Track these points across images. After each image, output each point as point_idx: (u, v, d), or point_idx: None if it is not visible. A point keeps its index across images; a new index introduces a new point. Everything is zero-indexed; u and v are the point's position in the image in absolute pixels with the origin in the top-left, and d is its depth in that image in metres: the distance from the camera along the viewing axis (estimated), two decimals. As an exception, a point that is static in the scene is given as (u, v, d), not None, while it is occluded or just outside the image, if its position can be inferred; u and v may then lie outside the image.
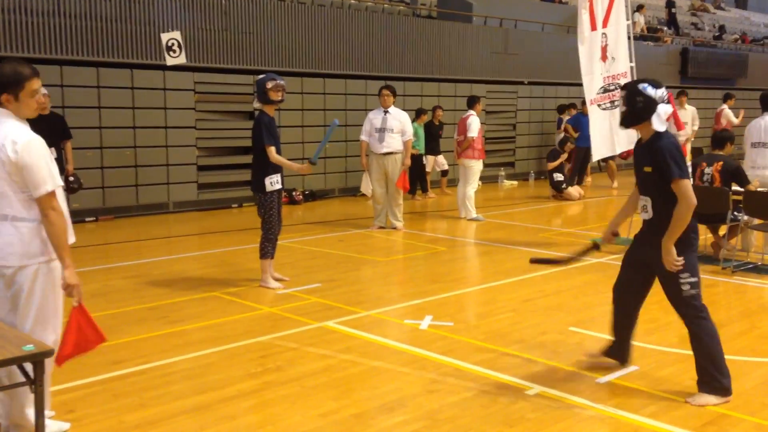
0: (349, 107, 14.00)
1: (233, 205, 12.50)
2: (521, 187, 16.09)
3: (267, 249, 7.02)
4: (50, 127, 9.58)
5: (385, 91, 10.16)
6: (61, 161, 9.68)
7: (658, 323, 6.14)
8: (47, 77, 10.28)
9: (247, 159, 12.77)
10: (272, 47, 12.84)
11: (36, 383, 3.22)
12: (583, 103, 14.48)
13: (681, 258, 4.34)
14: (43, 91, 10.04)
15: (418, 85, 15.11)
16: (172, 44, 10.68)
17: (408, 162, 10.26)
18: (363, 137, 10.24)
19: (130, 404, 4.39)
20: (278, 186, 6.92)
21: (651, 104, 4.39)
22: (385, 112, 10.09)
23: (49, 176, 3.70)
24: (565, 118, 16.44)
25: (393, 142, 10.02)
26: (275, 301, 6.64)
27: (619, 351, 4.96)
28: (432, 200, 13.53)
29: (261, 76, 6.97)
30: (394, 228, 10.20)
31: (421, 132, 13.57)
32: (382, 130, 10.03)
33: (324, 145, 7.18)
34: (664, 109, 4.40)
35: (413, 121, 13.69)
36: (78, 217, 10.70)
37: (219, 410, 4.32)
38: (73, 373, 4.79)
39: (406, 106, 14.60)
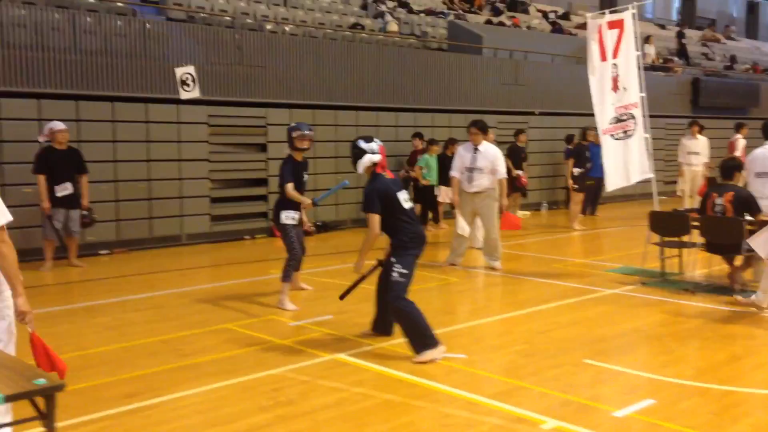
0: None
1: (246, 237, 12.54)
2: (534, 217, 16.04)
3: (288, 272, 7.55)
4: (67, 162, 9.76)
5: (473, 129, 9.65)
6: (77, 195, 9.80)
7: (673, 355, 6.07)
8: (64, 112, 10.48)
9: (259, 191, 12.94)
10: (284, 80, 12.97)
11: (49, 418, 3.21)
12: (584, 132, 14.61)
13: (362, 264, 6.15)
14: (62, 126, 10.34)
15: (429, 116, 15.18)
16: (186, 78, 10.82)
17: (505, 202, 9.92)
18: (454, 173, 9.81)
19: (142, 439, 4.37)
20: (292, 222, 7.59)
21: (360, 153, 6.11)
22: (475, 149, 9.62)
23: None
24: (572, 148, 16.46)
25: (483, 182, 9.57)
26: (287, 334, 6.61)
27: (379, 324, 6.39)
28: (444, 231, 13.51)
29: (291, 125, 7.77)
30: (493, 268, 9.66)
31: (434, 163, 13.60)
32: (471, 170, 9.60)
33: (329, 195, 8.16)
34: (369, 158, 6.07)
35: (424, 152, 13.77)
36: (92, 249, 10.78)
37: (231, 445, 4.28)
38: (86, 406, 4.78)
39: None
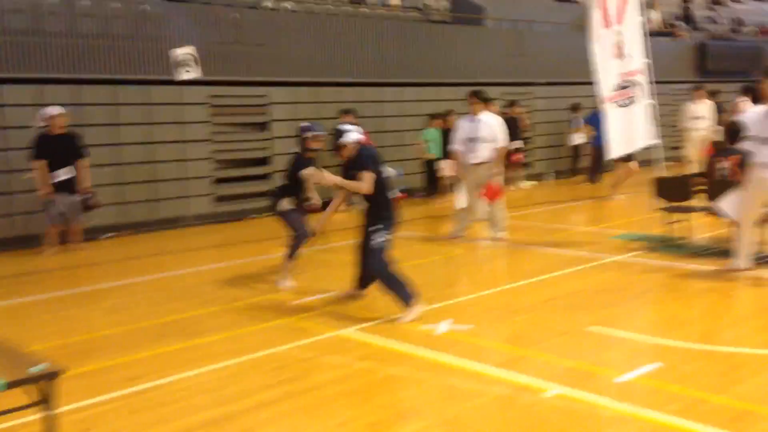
0: (365, 115, 13.98)
1: (250, 216, 12.54)
2: (539, 187, 15.97)
3: (293, 251, 7.55)
4: (66, 146, 9.75)
5: (472, 98, 9.52)
6: (76, 179, 9.80)
7: (678, 319, 6.05)
8: (63, 97, 10.45)
9: (262, 170, 12.91)
10: (285, 58, 12.88)
11: (49, 403, 3.22)
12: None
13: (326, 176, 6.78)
14: (59, 110, 10.31)
15: (433, 90, 15.07)
16: (187, 59, 10.76)
17: (497, 171, 9.60)
18: (455, 146, 9.72)
19: (148, 420, 4.38)
20: (289, 207, 7.53)
21: (342, 133, 6.43)
22: (475, 120, 9.49)
23: None
24: (577, 117, 16.34)
25: (484, 152, 9.41)
26: (291, 311, 6.62)
27: (358, 283, 6.82)
28: (448, 204, 13.45)
29: (303, 125, 7.66)
30: (498, 239, 9.56)
31: (437, 136, 13.52)
32: (472, 140, 9.46)
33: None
34: (355, 135, 6.40)
35: (426, 126, 13.69)
36: (97, 233, 10.81)
37: (238, 422, 4.30)
38: (89, 390, 4.80)
39: (420, 111, 14.60)
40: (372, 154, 6.50)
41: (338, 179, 6.52)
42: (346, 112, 12.40)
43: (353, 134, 6.43)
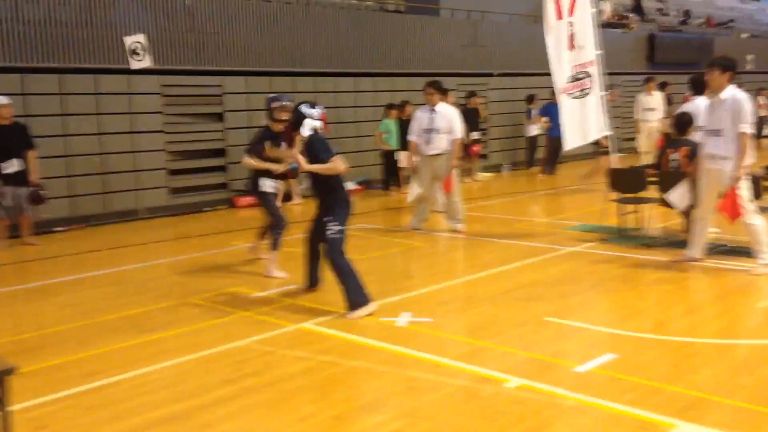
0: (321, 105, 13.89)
1: (205, 209, 12.36)
2: (495, 178, 16.11)
3: (276, 240, 7.60)
4: (13, 138, 9.46)
5: (429, 89, 9.53)
6: (24, 172, 9.52)
7: (632, 309, 6.18)
8: (8, 86, 10.12)
9: (218, 162, 12.73)
10: (239, 47, 12.71)
11: (2, 402, 3.13)
12: (553, 93, 14.56)
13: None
14: (5, 100, 9.98)
15: (389, 81, 15.05)
16: (136, 47, 10.53)
17: (455, 163, 9.61)
18: (412, 137, 9.71)
19: (104, 417, 4.30)
20: (271, 189, 7.62)
21: (301, 118, 6.35)
22: (432, 111, 9.52)
23: None
24: (533, 108, 16.51)
25: (441, 143, 9.46)
26: (250, 305, 6.56)
27: (311, 279, 6.80)
28: (406, 195, 13.48)
29: (270, 95, 7.87)
30: (456, 231, 9.63)
31: (393, 127, 13.52)
32: (429, 131, 9.48)
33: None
34: (310, 123, 6.32)
35: (383, 117, 13.67)
36: (47, 227, 10.52)
37: (196, 418, 4.24)
38: (44, 387, 4.69)
39: (376, 101, 14.57)
40: (323, 138, 6.41)
41: (314, 165, 6.27)
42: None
43: (308, 126, 6.35)
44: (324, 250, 6.35)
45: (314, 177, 6.38)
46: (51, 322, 6.23)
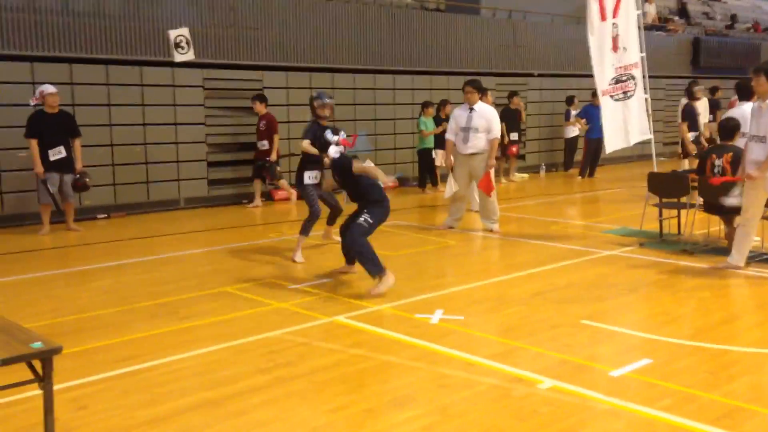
0: (357, 102, 13.96)
1: (243, 201, 12.50)
2: (532, 180, 16.00)
3: (306, 227, 8.11)
4: (59, 125, 9.67)
5: (468, 88, 9.49)
6: (70, 159, 9.75)
7: (671, 315, 6.09)
8: (56, 76, 10.36)
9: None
10: (280, 43, 12.82)
11: (46, 381, 3.21)
12: (593, 94, 14.40)
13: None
14: (52, 89, 10.21)
15: (427, 79, 15.04)
16: (180, 41, 10.68)
17: (493, 162, 9.55)
18: (449, 135, 9.72)
19: (141, 400, 4.38)
20: (313, 181, 8.02)
21: (326, 144, 7.45)
22: (471, 109, 9.46)
23: None
24: (573, 110, 16.35)
25: (479, 142, 9.41)
26: (285, 297, 6.62)
27: (349, 259, 7.22)
28: (442, 193, 13.47)
29: (313, 93, 8.34)
30: (490, 230, 9.57)
31: (432, 125, 13.51)
32: (466, 130, 9.45)
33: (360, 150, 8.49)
34: (334, 148, 7.16)
35: (420, 115, 13.66)
36: (90, 213, 10.76)
37: (229, 406, 4.30)
38: (84, 369, 4.79)
39: (415, 99, 14.58)
40: (343, 162, 6.95)
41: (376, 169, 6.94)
42: (258, 98, 12.24)
43: (333, 151, 7.08)
44: (349, 237, 6.70)
45: (354, 190, 6.92)
46: (89, 307, 6.37)
